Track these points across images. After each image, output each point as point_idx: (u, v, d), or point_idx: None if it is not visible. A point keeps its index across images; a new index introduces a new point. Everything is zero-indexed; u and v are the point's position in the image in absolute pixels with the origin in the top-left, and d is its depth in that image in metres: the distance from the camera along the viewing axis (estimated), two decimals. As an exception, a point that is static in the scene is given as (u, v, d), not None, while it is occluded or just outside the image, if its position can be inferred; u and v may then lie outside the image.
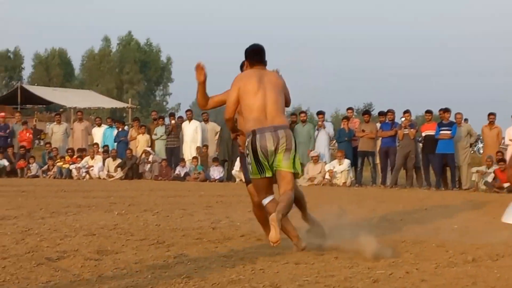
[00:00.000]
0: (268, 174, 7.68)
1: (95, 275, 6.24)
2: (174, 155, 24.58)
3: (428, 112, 22.16)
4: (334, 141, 25.46)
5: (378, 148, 22.02)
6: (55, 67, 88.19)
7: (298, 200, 8.13)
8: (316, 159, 22.29)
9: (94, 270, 6.51)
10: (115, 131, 26.29)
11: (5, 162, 25.38)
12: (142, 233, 8.99)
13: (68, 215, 11.47)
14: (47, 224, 10.08)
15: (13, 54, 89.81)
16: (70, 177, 24.68)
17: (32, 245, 7.92)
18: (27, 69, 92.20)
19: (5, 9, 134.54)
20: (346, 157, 22.14)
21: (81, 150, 25.82)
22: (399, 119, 22.18)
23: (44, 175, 25.19)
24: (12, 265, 6.68)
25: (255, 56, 8.03)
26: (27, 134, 27.34)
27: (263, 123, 7.55)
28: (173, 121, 25.25)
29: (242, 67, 8.37)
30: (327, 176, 22.06)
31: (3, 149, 25.89)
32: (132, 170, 24.60)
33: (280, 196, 7.60)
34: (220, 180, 23.31)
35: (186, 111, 26.16)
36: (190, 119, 25.01)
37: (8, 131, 26.88)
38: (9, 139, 26.77)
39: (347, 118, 23.33)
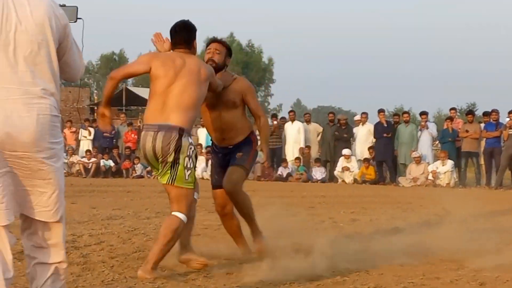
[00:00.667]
0: (162, 180, 6.45)
1: (201, 275, 6.33)
2: (276, 155, 24.62)
3: (535, 111, 21.62)
4: (437, 142, 25.11)
5: (482, 149, 21.62)
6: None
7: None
8: (419, 160, 22.02)
9: (201, 270, 6.58)
10: (218, 132, 26.34)
11: (110, 163, 25.97)
12: (245, 234, 9.02)
13: (173, 215, 11.60)
14: (153, 224, 10.23)
15: (118, 56, 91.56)
16: (175, 177, 24.81)
17: (138, 244, 8.06)
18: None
19: (111, 12, 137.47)
20: (449, 158, 21.82)
21: (186, 150, 25.84)
22: (504, 119, 21.71)
23: (148, 175, 25.45)
24: (120, 264, 6.83)
25: (176, 34, 6.61)
26: (132, 135, 27.80)
27: (154, 118, 6.30)
28: (275, 122, 25.35)
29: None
30: (430, 177, 21.78)
31: (108, 150, 26.55)
32: (235, 170, 24.62)
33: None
34: (322, 180, 23.33)
35: (289, 111, 26.52)
36: (293, 120, 25.10)
37: (113, 132, 27.31)
38: (114, 140, 27.39)
39: (450, 119, 22.98)
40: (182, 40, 6.61)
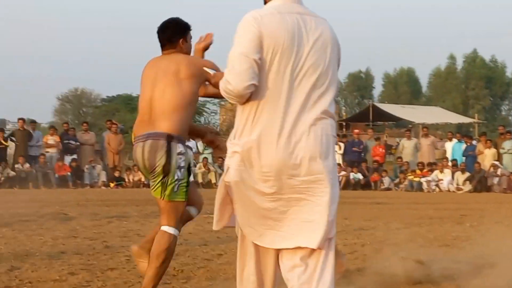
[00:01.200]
0: (155, 193, 5.71)
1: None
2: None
3: None
4: None
5: None
6: (403, 85, 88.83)
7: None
8: None
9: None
10: (464, 146, 26.02)
11: (359, 176, 26.10)
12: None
13: (421, 226, 11.48)
14: (403, 233, 10.12)
15: (365, 74, 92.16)
16: (420, 189, 24.80)
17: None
18: (377, 88, 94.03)
19: (354, 31, 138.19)
20: None
21: (430, 164, 25.92)
22: None
23: (396, 188, 25.50)
24: (374, 273, 6.73)
25: (160, 36, 5.84)
26: (380, 149, 27.90)
27: (143, 129, 5.67)
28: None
29: None
30: None
31: (357, 164, 26.70)
32: (480, 183, 24.14)
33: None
34: None
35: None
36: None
37: (361, 146, 27.61)
38: (362, 154, 27.48)
39: None
40: (166, 40, 5.85)
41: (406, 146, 27.50)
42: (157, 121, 5.61)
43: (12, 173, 24.44)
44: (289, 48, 3.84)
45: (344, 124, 50.19)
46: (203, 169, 25.73)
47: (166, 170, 5.48)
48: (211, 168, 25.80)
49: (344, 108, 77.89)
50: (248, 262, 4.06)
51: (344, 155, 27.33)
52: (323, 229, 3.84)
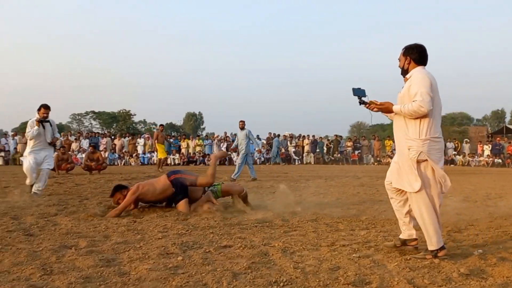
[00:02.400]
0: None
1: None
2: None
3: None
4: None
5: None
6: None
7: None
8: None
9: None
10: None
11: (500, 160, 28.63)
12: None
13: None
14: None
15: (501, 111, 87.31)
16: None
17: None
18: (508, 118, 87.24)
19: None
20: None
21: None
22: None
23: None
24: None
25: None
26: (511, 147, 29.38)
27: None
28: None
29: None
30: None
31: (498, 154, 29.11)
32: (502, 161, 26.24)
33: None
34: None
35: None
36: None
37: (500, 146, 29.79)
38: (501, 149, 29.67)
39: None
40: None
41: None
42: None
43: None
44: (438, 91, 4.56)
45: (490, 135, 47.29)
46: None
47: None
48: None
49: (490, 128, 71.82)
50: (432, 204, 4.61)
51: (491, 150, 30.54)
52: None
